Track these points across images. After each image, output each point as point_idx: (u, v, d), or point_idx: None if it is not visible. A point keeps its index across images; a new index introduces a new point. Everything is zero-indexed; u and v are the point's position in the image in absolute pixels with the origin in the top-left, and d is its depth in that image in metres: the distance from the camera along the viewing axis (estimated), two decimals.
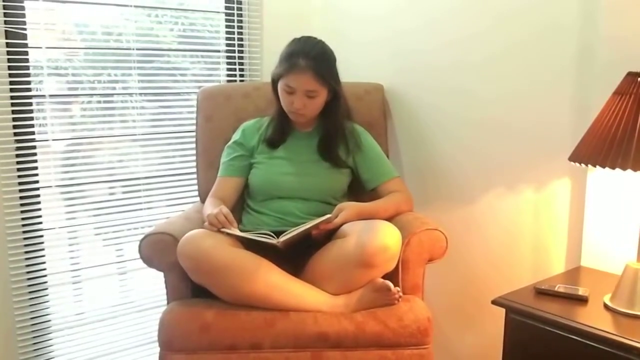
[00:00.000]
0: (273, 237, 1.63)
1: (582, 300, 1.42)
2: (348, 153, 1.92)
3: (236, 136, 1.97)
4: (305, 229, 1.64)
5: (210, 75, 2.40)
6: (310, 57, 1.79)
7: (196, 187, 2.13)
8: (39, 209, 2.00)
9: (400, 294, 1.61)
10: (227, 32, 2.39)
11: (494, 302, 1.47)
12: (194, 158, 2.14)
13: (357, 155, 1.93)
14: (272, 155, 1.91)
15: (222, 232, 1.66)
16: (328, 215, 1.69)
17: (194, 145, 2.13)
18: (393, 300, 1.59)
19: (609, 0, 1.57)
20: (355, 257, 1.56)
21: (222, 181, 1.94)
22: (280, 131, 1.93)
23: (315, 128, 1.94)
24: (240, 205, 1.97)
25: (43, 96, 1.98)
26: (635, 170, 1.23)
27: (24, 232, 1.97)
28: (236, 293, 1.57)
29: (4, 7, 1.85)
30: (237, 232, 1.67)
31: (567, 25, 1.68)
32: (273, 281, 1.57)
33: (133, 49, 2.15)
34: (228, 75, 2.41)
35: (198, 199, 2.11)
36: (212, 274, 1.57)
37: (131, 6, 2.13)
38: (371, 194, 1.93)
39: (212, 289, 1.60)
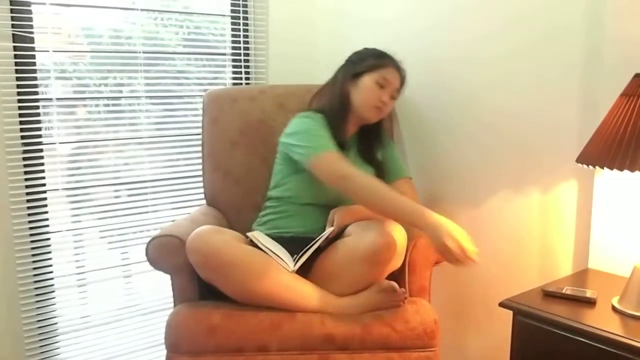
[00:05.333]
0: (287, 260, 1.62)
1: (590, 303, 1.42)
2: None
3: (316, 120, 1.80)
4: (315, 248, 1.65)
5: (216, 78, 2.41)
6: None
7: (202, 190, 2.13)
8: (46, 212, 2.01)
9: (406, 295, 1.61)
10: (232, 35, 2.39)
11: (501, 305, 1.46)
12: (199, 161, 2.14)
13: (380, 151, 1.94)
14: None
15: (247, 237, 1.70)
16: (332, 228, 1.69)
17: (199, 148, 2.14)
18: (399, 302, 1.59)
19: (615, 3, 1.57)
20: (362, 254, 1.56)
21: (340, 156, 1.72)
22: (343, 133, 1.83)
23: (356, 132, 1.93)
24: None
25: (50, 99, 1.99)
26: None
27: (31, 235, 1.98)
28: (244, 290, 1.57)
29: (11, 11, 1.86)
30: (260, 239, 1.68)
31: (573, 28, 1.68)
32: (281, 281, 1.57)
33: (139, 52, 2.16)
34: (234, 79, 2.42)
35: (204, 201, 2.11)
36: (221, 270, 1.57)
37: (137, 10, 2.14)
38: None
39: (220, 286, 1.60)
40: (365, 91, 1.83)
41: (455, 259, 1.44)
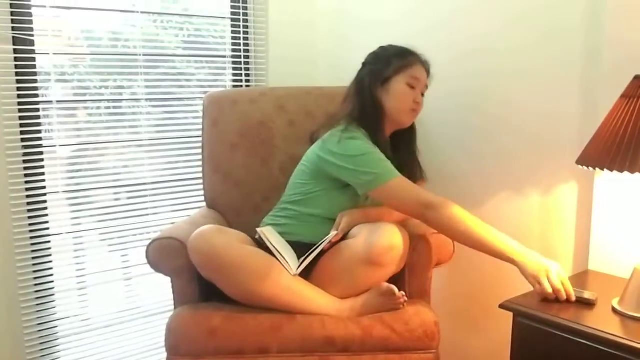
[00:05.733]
0: (292, 263, 1.62)
1: (590, 304, 1.42)
2: None
3: (366, 140, 1.72)
4: (319, 251, 1.64)
5: (216, 80, 2.41)
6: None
7: (202, 192, 2.13)
8: (46, 215, 2.01)
9: (405, 298, 1.60)
10: (233, 38, 2.39)
11: (501, 306, 1.46)
12: (199, 163, 2.14)
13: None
14: None
15: (256, 232, 1.71)
16: (335, 232, 1.68)
17: (199, 151, 2.14)
18: (398, 305, 1.59)
19: (614, 4, 1.57)
20: (363, 256, 1.55)
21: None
22: (381, 143, 1.73)
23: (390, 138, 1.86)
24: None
25: (50, 102, 1.99)
26: None
27: (31, 237, 1.98)
28: (245, 292, 1.57)
29: (12, 14, 1.86)
30: (270, 237, 1.68)
31: (573, 28, 1.68)
32: (282, 283, 1.57)
33: (139, 55, 2.16)
34: (234, 81, 2.42)
35: (204, 204, 2.11)
36: (222, 270, 1.57)
37: (137, 12, 2.14)
38: None
39: (221, 286, 1.60)
40: (398, 96, 1.76)
41: (552, 297, 1.44)
